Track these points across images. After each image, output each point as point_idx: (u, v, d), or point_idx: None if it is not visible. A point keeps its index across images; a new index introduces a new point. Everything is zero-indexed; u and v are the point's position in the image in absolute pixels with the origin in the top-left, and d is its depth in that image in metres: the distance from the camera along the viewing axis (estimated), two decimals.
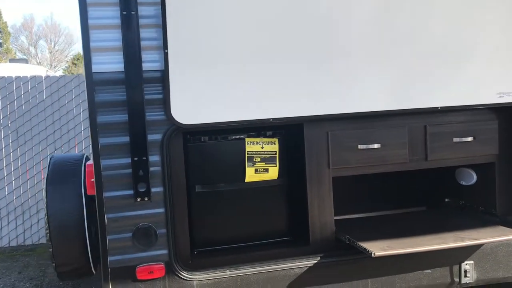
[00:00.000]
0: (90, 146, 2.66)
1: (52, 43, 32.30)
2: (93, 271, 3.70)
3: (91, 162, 2.78)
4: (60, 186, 3.56)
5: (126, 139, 2.64)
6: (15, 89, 6.82)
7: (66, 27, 46.65)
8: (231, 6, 2.54)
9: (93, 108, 2.58)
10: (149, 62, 2.60)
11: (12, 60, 15.91)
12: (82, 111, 6.94)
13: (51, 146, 6.96)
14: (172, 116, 2.62)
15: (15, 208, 6.97)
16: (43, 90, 6.87)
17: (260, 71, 2.65)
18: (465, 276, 3.04)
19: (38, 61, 29.53)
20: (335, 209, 3.02)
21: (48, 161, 3.83)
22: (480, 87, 2.92)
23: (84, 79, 2.63)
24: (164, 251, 2.72)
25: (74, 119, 6.99)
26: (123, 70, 2.58)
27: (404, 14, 2.71)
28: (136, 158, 2.65)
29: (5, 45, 30.81)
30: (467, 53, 2.83)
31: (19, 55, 28.56)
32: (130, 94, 2.60)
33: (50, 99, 6.91)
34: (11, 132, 6.86)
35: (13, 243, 7.00)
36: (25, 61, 16.75)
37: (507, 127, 3.13)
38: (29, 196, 6.99)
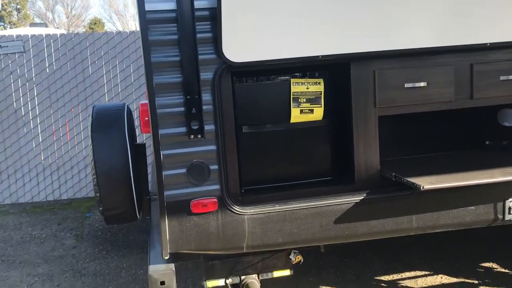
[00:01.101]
0: (145, 85, 2.72)
1: (69, 8, 32.22)
2: (138, 216, 3.84)
3: (144, 101, 2.85)
4: (105, 133, 3.66)
5: (179, 78, 2.70)
6: (46, 47, 6.90)
7: None
8: None
9: (147, 47, 2.63)
10: (201, 0, 2.62)
11: (32, 25, 15.96)
12: (112, 68, 7.01)
13: (82, 103, 7.08)
14: (224, 54, 2.66)
15: (50, 165, 7.17)
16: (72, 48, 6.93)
17: (311, 8, 2.64)
18: (509, 213, 3.09)
19: (55, 26, 29.54)
20: (381, 151, 3.06)
21: (92, 110, 3.92)
22: None
23: (138, 19, 2.67)
24: (217, 187, 2.82)
25: (105, 76, 7.07)
26: (176, 8, 2.61)
27: None
28: (188, 97, 2.71)
29: (22, 11, 30.83)
30: None
31: (37, 21, 28.56)
32: (182, 32, 2.63)
33: (80, 56, 6.98)
34: (43, 90, 6.98)
35: (50, 198, 7.25)
36: (45, 25, 16.80)
37: None
38: (63, 153, 7.17)
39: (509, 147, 3.45)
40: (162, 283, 2.90)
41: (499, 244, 4.81)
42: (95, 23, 29.40)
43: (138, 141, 4.94)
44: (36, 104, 6.98)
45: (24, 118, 6.98)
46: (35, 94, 6.95)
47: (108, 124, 3.73)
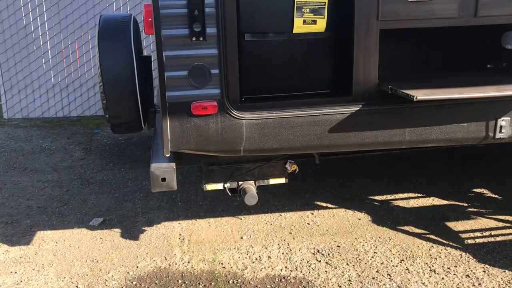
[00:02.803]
0: None
1: None
2: (143, 126, 3.98)
3: (148, 2, 2.89)
4: (112, 42, 3.72)
5: None
6: None
7: None
8: None
9: None
10: None
11: None
12: None
13: (91, 20, 7.06)
14: None
15: (59, 82, 7.28)
16: None
17: None
18: (500, 131, 3.17)
19: None
20: (380, 68, 3.10)
21: (99, 19, 3.96)
22: None
23: None
24: (217, 90, 2.91)
25: None
26: None
27: None
28: None
29: None
30: None
31: None
32: None
33: None
34: (52, 6, 6.96)
35: (60, 114, 7.43)
36: None
37: None
38: (72, 71, 7.26)
39: (508, 69, 3.47)
40: (163, 179, 3.07)
41: (492, 172, 4.95)
42: None
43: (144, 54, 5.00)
44: (45, 20, 6.99)
45: (33, 34, 7.01)
46: (44, 10, 6.94)
47: (115, 33, 3.78)
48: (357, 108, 3.06)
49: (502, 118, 3.15)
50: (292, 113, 3.02)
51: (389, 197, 4.55)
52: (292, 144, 3.06)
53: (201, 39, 2.81)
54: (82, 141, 6.35)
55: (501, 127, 3.16)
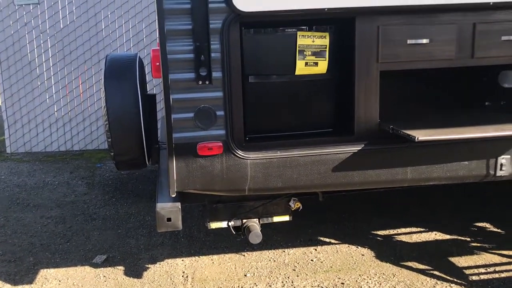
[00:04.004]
0: (157, 31, 2.85)
1: None
2: (147, 163, 4.03)
3: (156, 47, 2.98)
4: (117, 81, 3.81)
5: (190, 25, 2.82)
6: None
7: None
8: None
9: None
10: None
11: None
12: (124, 22, 7.10)
13: (95, 56, 7.20)
14: (233, 3, 2.76)
15: (63, 116, 7.37)
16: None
17: None
18: (501, 169, 3.23)
19: None
20: (381, 107, 3.18)
21: (105, 58, 4.06)
22: None
23: None
24: (222, 131, 2.97)
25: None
26: None
27: None
28: (198, 44, 2.83)
29: None
30: None
31: None
32: None
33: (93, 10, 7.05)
34: (57, 43, 7.11)
35: (62, 148, 7.49)
36: None
37: None
38: (75, 105, 7.36)
39: (506, 108, 3.55)
40: (169, 219, 3.10)
41: (493, 205, 4.98)
42: None
43: (149, 92, 5.09)
44: (50, 56, 7.13)
45: (38, 70, 7.14)
46: (49, 46, 7.09)
47: (121, 72, 3.88)
48: (360, 148, 3.12)
49: (502, 157, 3.20)
50: (296, 152, 3.08)
51: (392, 231, 4.56)
52: (296, 183, 3.11)
53: (207, 82, 2.89)
54: (85, 175, 6.39)
55: (501, 165, 3.21)
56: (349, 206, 5.03)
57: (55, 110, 7.33)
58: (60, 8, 6.96)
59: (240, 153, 3.00)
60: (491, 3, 2.98)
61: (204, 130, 2.96)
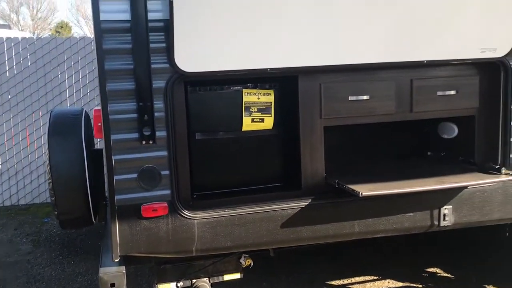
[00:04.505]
0: (99, 91, 2.81)
1: (35, 10, 31.56)
2: (93, 220, 3.89)
3: (98, 107, 2.93)
4: (61, 138, 3.70)
5: (132, 85, 2.79)
6: (6, 50, 6.83)
7: None
8: None
9: (101, 55, 2.72)
10: (155, 11, 2.73)
11: None
12: (74, 73, 7.01)
13: (43, 108, 7.03)
14: (176, 64, 2.77)
15: (8, 169, 7.07)
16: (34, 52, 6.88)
17: (260, 22, 2.79)
18: (444, 219, 3.30)
19: (20, 28, 28.90)
20: (327, 160, 3.23)
21: (49, 115, 3.96)
22: (463, 42, 3.11)
23: (93, 27, 2.76)
24: (167, 191, 2.91)
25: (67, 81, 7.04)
26: (130, 19, 2.71)
27: None
28: (141, 104, 2.81)
29: None
30: (453, 9, 3.00)
31: (0, 22, 27.87)
32: (135, 42, 2.74)
33: (41, 61, 6.94)
34: (3, 93, 6.91)
35: (7, 203, 7.14)
36: (8, 27, 16.47)
37: (487, 82, 3.35)
38: (22, 158, 7.09)
39: (447, 158, 3.68)
40: (113, 285, 2.96)
41: (442, 250, 5.06)
42: (61, 27, 28.91)
43: (97, 147, 4.97)
44: None
45: None
46: None
47: (65, 129, 3.77)
48: (307, 202, 3.13)
49: (445, 207, 3.29)
50: (244, 209, 3.05)
51: (345, 281, 4.55)
52: (245, 241, 3.06)
53: (151, 142, 2.85)
54: (31, 231, 6.08)
55: (444, 215, 3.29)
56: (302, 257, 4.99)
57: (0, 163, 7.02)
58: (6, 58, 6.80)
59: (186, 213, 2.94)
60: (425, 61, 3.13)
61: (148, 191, 2.89)
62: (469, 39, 3.09)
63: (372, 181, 3.15)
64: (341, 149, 3.66)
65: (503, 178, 3.19)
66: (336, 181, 3.12)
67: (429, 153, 3.86)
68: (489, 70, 3.32)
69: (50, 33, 28.68)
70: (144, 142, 2.84)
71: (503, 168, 3.28)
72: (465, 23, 3.03)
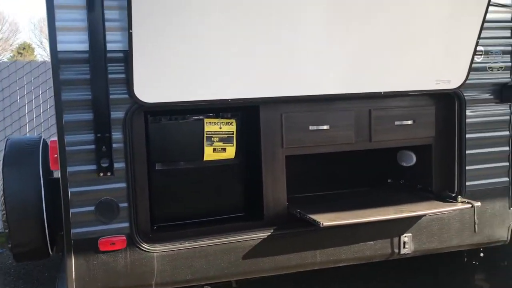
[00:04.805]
0: (55, 122, 2.74)
1: None
2: (50, 252, 3.75)
3: (55, 138, 2.86)
4: (17, 168, 3.58)
5: (90, 116, 2.74)
6: None
7: (11, 14, 44.78)
8: None
9: (58, 86, 2.67)
10: (114, 42, 2.71)
11: None
12: (34, 98, 6.86)
13: (1, 133, 6.81)
14: (135, 95, 2.75)
15: None
16: None
17: (220, 53, 2.80)
18: (404, 247, 3.35)
19: None
20: (289, 188, 3.24)
21: (5, 143, 3.83)
22: (419, 75, 3.21)
23: (49, 58, 2.71)
24: (126, 224, 2.85)
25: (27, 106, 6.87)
26: (88, 49, 2.68)
27: (352, 4, 2.93)
28: (99, 135, 2.76)
29: None
30: (409, 43, 3.09)
31: None
32: (94, 73, 2.70)
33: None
34: None
35: None
36: None
37: (443, 112, 3.46)
38: None
39: (406, 186, 3.75)
40: None
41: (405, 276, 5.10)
42: (24, 48, 28.35)
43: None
44: None
45: None
46: None
47: (21, 158, 3.65)
48: (269, 233, 3.11)
49: (405, 235, 3.34)
50: (205, 241, 3.00)
51: None
52: (206, 273, 3.01)
53: (108, 174, 2.79)
54: None
55: (404, 243, 3.33)
56: (266, 285, 4.93)
57: None
58: None
59: (145, 246, 2.87)
60: (382, 93, 3.21)
61: (106, 224, 2.81)
62: (424, 72, 3.20)
63: (333, 210, 3.17)
64: (304, 178, 3.68)
65: (459, 206, 3.27)
66: (298, 210, 3.13)
67: (389, 181, 3.93)
68: (444, 101, 3.44)
69: (11, 54, 28.10)
70: (101, 174, 2.78)
71: (459, 196, 3.36)
72: (421, 57, 3.14)
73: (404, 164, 3.73)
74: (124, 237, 2.83)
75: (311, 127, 3.19)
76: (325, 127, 3.22)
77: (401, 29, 3.03)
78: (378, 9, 2.95)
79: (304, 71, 3.02)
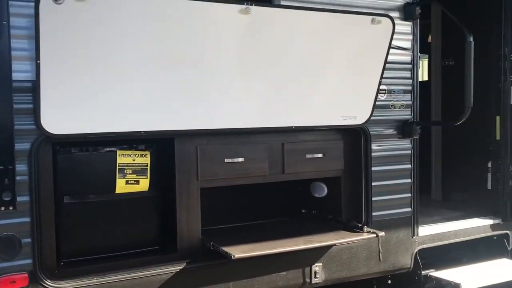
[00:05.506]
0: None
1: None
2: None
3: None
4: None
5: None
6: None
7: None
8: (102, 21, 2.61)
9: None
10: (20, 72, 2.62)
11: None
12: None
13: None
14: (42, 126, 2.66)
15: None
16: None
17: (132, 84, 2.79)
18: (315, 277, 3.46)
19: None
20: (204, 220, 3.25)
21: None
22: (327, 111, 3.39)
23: None
24: (28, 261, 2.71)
25: None
26: None
27: (265, 41, 3.05)
28: (1, 167, 2.63)
29: None
30: (318, 81, 3.27)
31: None
32: None
33: None
34: None
35: None
36: None
37: (350, 146, 3.67)
38: None
39: (318, 216, 3.90)
40: None
41: None
42: None
43: None
44: None
45: None
46: None
47: None
48: (182, 266, 3.09)
49: (316, 265, 3.45)
50: (115, 277, 2.92)
51: None
52: None
53: (11, 208, 2.66)
54: None
55: (315, 272, 3.44)
56: None
57: None
58: None
59: (49, 283, 2.74)
60: (294, 127, 3.36)
61: (8, 260, 2.66)
62: (332, 108, 3.39)
63: (247, 241, 3.22)
64: (221, 210, 3.72)
65: (365, 236, 3.45)
66: (212, 243, 3.14)
67: (303, 211, 4.06)
68: (351, 135, 3.65)
69: None
70: (3, 208, 2.64)
71: (365, 226, 3.55)
72: (329, 94, 3.33)
73: (317, 195, 3.88)
74: (26, 275, 2.69)
75: (226, 160, 3.25)
76: (240, 159, 3.29)
77: (310, 69, 3.21)
78: (288, 49, 3.10)
79: (219, 105, 3.09)
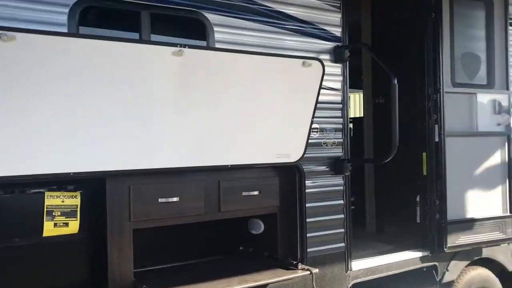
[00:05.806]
0: None
1: None
2: None
3: None
4: None
5: None
6: None
7: None
8: (29, 61, 2.55)
9: None
10: None
11: None
12: None
13: None
14: None
15: None
16: None
17: (60, 124, 2.71)
18: None
19: None
20: (139, 260, 3.17)
21: None
22: (262, 149, 3.45)
23: None
24: None
25: None
26: None
27: (199, 82, 3.08)
28: None
29: None
30: (251, 121, 3.34)
31: None
32: None
33: None
34: None
35: None
36: None
37: (285, 183, 3.73)
38: None
39: (255, 253, 3.90)
40: None
41: None
42: None
43: None
44: None
45: None
46: None
47: None
48: None
49: None
50: None
51: None
52: None
53: None
54: None
55: None
56: None
57: None
58: None
59: None
60: (229, 166, 3.39)
61: None
62: (266, 147, 3.46)
63: (180, 283, 3.17)
64: (157, 250, 3.64)
65: (299, 273, 3.49)
66: (144, 286, 3.07)
67: (241, 248, 4.06)
68: (286, 173, 3.72)
69: None
70: None
71: (300, 263, 3.59)
72: (263, 133, 3.40)
73: (254, 232, 3.90)
74: None
75: (160, 200, 3.21)
76: (175, 199, 3.26)
77: (244, 108, 3.28)
78: (222, 90, 3.16)
79: (153, 145, 3.06)
